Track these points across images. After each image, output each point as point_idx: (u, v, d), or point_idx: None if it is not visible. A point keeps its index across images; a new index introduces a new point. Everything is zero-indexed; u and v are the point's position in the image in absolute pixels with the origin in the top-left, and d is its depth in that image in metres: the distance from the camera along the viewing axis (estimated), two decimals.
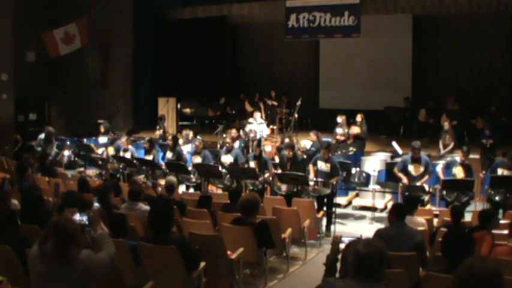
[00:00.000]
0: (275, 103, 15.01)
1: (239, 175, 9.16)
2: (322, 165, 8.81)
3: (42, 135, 11.87)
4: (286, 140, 10.25)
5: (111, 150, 11.16)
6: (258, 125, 12.32)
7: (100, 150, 11.51)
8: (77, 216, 3.92)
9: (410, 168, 8.89)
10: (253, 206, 5.75)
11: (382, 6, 13.85)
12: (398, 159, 10.41)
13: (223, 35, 18.38)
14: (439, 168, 9.21)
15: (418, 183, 8.60)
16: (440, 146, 11.04)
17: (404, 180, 8.75)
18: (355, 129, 11.51)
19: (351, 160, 10.30)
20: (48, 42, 14.37)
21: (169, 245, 4.54)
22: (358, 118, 11.69)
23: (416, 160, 8.87)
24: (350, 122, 11.90)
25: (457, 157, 9.29)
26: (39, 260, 3.38)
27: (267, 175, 9.16)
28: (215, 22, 16.82)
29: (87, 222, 3.92)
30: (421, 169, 8.82)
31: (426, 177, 8.74)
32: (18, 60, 14.87)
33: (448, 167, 8.94)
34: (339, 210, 9.05)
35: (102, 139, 11.96)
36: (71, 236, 3.33)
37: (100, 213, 5.57)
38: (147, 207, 5.99)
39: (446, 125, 11.23)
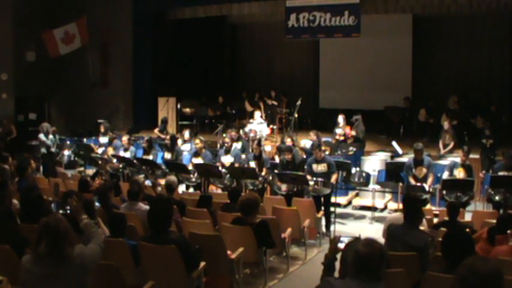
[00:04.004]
0: (275, 103, 15.00)
1: (239, 175, 9.16)
2: (318, 167, 8.72)
3: (41, 135, 11.83)
4: (288, 141, 10.23)
5: (110, 150, 11.17)
6: (258, 125, 12.31)
7: (100, 150, 11.52)
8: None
9: (415, 171, 8.90)
10: (253, 205, 5.75)
11: (382, 6, 13.85)
12: (398, 159, 10.43)
13: (223, 35, 18.38)
14: (444, 176, 9.04)
15: (426, 186, 8.58)
16: (440, 145, 11.04)
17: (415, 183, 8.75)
18: (353, 131, 11.54)
19: (351, 160, 10.29)
20: (48, 41, 14.37)
21: (169, 244, 4.54)
22: (353, 119, 11.72)
23: (419, 162, 8.86)
24: (349, 122, 11.90)
25: (458, 158, 9.28)
26: (34, 262, 3.36)
27: (263, 173, 9.18)
28: (215, 22, 16.82)
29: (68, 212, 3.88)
30: (424, 170, 8.82)
31: (431, 179, 8.73)
32: (18, 60, 14.88)
33: (450, 171, 8.92)
34: (338, 210, 9.04)
35: (103, 139, 11.96)
36: (64, 235, 3.32)
37: (100, 213, 5.58)
38: (146, 207, 5.98)
39: (446, 124, 11.23)
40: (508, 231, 5.12)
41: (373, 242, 2.97)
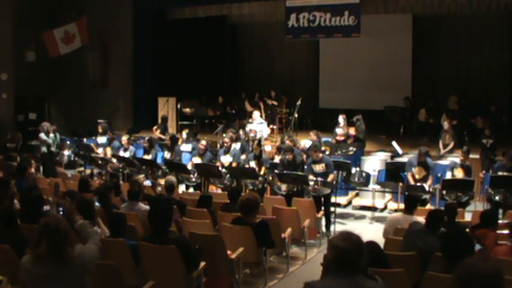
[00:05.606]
0: (275, 103, 15.01)
1: (239, 175, 9.16)
2: (317, 167, 8.74)
3: (42, 134, 11.81)
4: (288, 142, 10.21)
5: (109, 150, 11.17)
6: (258, 125, 12.30)
7: (99, 150, 11.52)
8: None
9: (414, 170, 8.94)
10: (253, 205, 5.75)
11: (382, 6, 13.85)
12: (398, 159, 10.44)
13: (223, 35, 18.38)
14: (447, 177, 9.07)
15: (425, 186, 8.58)
16: (440, 145, 11.04)
17: (412, 182, 8.77)
18: (351, 131, 11.54)
19: (351, 160, 10.29)
20: (48, 41, 14.37)
21: (169, 244, 4.54)
22: (354, 119, 11.72)
23: (421, 163, 8.90)
24: (350, 122, 11.90)
25: (457, 159, 9.29)
26: (33, 263, 3.35)
27: (261, 172, 9.18)
28: (215, 22, 16.82)
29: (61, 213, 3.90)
30: (423, 172, 8.84)
31: (430, 180, 8.76)
32: (18, 60, 14.88)
33: (451, 171, 8.94)
34: (339, 210, 9.05)
35: (101, 139, 11.96)
36: (64, 235, 3.32)
37: (100, 213, 5.58)
38: (146, 207, 5.99)
39: (446, 124, 11.23)
40: (506, 231, 5.13)
41: (351, 234, 2.93)
